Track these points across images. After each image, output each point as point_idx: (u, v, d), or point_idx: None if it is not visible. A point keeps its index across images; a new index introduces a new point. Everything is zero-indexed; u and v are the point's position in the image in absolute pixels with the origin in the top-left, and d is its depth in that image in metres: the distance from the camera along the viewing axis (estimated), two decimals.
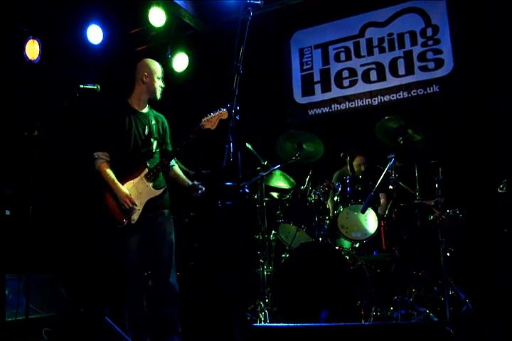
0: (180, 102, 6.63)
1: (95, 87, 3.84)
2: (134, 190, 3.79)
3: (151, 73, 4.01)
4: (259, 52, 6.06)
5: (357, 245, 4.60)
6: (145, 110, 4.05)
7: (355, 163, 5.36)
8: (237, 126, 2.90)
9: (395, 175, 4.27)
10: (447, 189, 4.36)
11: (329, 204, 4.99)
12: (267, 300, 4.44)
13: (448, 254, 4.20)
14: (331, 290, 4.02)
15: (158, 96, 4.05)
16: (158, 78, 4.04)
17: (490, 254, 4.55)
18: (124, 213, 3.75)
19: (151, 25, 6.20)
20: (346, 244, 4.78)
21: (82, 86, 3.78)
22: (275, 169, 4.76)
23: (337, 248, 4.43)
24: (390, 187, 4.27)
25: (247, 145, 4.77)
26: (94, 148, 3.88)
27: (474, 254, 4.66)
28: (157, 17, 6.09)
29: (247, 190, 3.70)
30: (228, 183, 3.19)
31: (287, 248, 4.83)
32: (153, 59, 4.18)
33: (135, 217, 3.73)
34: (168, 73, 6.38)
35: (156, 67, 4.07)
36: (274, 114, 6.44)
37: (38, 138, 3.77)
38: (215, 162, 3.09)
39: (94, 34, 6.09)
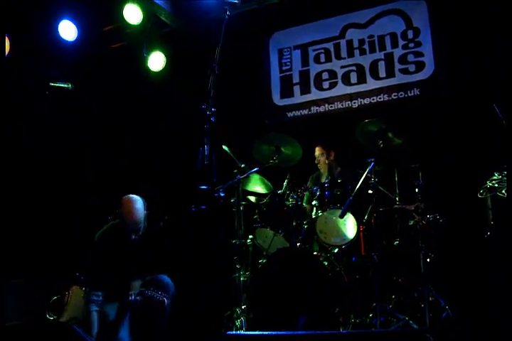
0: (156, 102, 6.65)
1: (68, 86, 3.77)
2: None
3: (122, 214, 4.36)
4: (238, 53, 6.04)
5: (335, 250, 4.58)
6: (135, 236, 4.42)
7: (315, 154, 5.37)
8: (212, 128, 2.91)
9: (374, 180, 4.29)
10: (427, 194, 4.37)
11: (307, 209, 4.98)
12: (243, 307, 4.41)
13: (428, 260, 4.21)
14: (309, 296, 4.01)
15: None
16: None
17: (470, 260, 4.60)
18: None
19: (127, 23, 6.08)
20: (325, 249, 4.71)
21: (53, 84, 3.72)
22: (252, 172, 4.74)
23: (315, 253, 4.41)
24: (370, 191, 4.29)
25: (224, 147, 4.75)
26: (88, 285, 4.29)
27: (454, 260, 4.69)
28: (133, 14, 5.98)
29: (222, 194, 3.69)
30: (203, 186, 3.13)
31: (264, 253, 4.82)
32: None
33: None
34: (144, 72, 6.42)
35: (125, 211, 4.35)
36: (252, 115, 6.43)
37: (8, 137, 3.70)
38: (189, 164, 3.09)
39: (67, 30, 5.94)
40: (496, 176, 3.94)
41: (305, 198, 5.08)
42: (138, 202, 4.40)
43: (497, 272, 3.74)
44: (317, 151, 5.39)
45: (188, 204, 3.89)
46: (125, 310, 4.28)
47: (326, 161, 5.30)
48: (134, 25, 6.20)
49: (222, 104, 3.30)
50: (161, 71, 6.50)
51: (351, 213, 4.42)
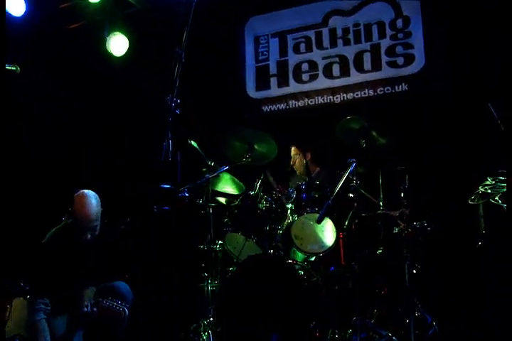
0: (116, 90, 6.57)
1: (14, 69, 3.64)
2: None
3: (74, 211, 4.22)
4: (209, 39, 6.00)
5: (312, 259, 4.56)
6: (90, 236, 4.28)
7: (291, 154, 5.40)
8: (176, 121, 2.87)
9: (356, 182, 4.24)
10: (414, 199, 4.36)
11: (282, 213, 4.87)
12: (211, 319, 4.36)
13: (414, 271, 4.20)
14: (283, 308, 3.96)
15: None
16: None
17: (460, 272, 4.61)
18: None
19: (86, 1, 5.99)
20: (300, 257, 4.72)
21: None
22: (222, 171, 4.69)
23: (290, 261, 4.38)
24: (351, 195, 4.26)
25: (192, 142, 4.71)
26: (33, 292, 4.04)
27: (443, 271, 4.69)
28: None
29: (186, 194, 3.64)
30: (165, 186, 3.04)
31: (235, 260, 4.78)
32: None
33: None
34: (104, 56, 6.33)
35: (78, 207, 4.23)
36: (224, 108, 6.36)
37: None
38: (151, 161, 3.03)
39: (15, 4, 5.73)
40: (489, 181, 3.90)
41: (283, 203, 5.00)
42: (92, 197, 4.29)
43: (491, 279, 3.78)
44: (293, 152, 5.43)
45: (149, 204, 3.88)
46: (78, 322, 4.12)
47: (304, 161, 5.32)
48: (94, 4, 6.09)
49: (190, 95, 3.24)
50: (123, 56, 6.37)
51: (330, 218, 4.39)
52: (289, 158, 5.45)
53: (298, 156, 5.38)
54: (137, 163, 5.94)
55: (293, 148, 5.43)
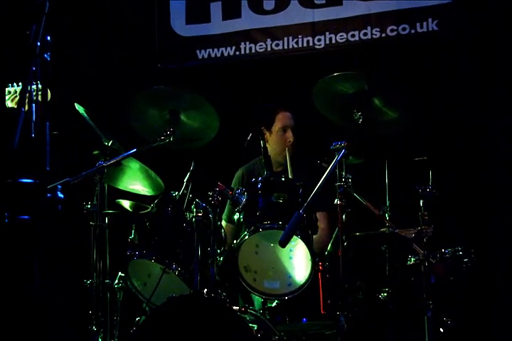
0: None
1: None
2: None
3: None
4: None
5: (273, 304, 4.48)
6: None
7: (276, 126, 5.35)
8: (46, 71, 2.78)
9: (346, 180, 4.20)
10: (441, 210, 4.37)
11: (224, 227, 4.95)
12: None
13: (441, 330, 4.24)
14: None
15: None
16: None
17: None
18: None
19: None
20: (255, 300, 4.83)
21: None
22: (127, 155, 4.70)
23: (236, 308, 4.27)
24: (337, 201, 4.19)
25: (78, 107, 4.75)
26: None
27: (489, 332, 4.74)
28: None
29: (60, 195, 3.47)
30: (24, 180, 3.01)
31: (144, 305, 4.75)
32: None
33: None
34: None
35: None
36: (133, 53, 6.43)
37: None
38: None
39: None
40: None
41: (225, 211, 5.19)
42: None
43: None
44: (287, 120, 5.35)
45: None
46: None
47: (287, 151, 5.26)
48: None
49: (74, 29, 3.02)
50: None
51: (302, 239, 4.28)
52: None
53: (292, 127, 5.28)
54: None
55: (286, 114, 5.35)
